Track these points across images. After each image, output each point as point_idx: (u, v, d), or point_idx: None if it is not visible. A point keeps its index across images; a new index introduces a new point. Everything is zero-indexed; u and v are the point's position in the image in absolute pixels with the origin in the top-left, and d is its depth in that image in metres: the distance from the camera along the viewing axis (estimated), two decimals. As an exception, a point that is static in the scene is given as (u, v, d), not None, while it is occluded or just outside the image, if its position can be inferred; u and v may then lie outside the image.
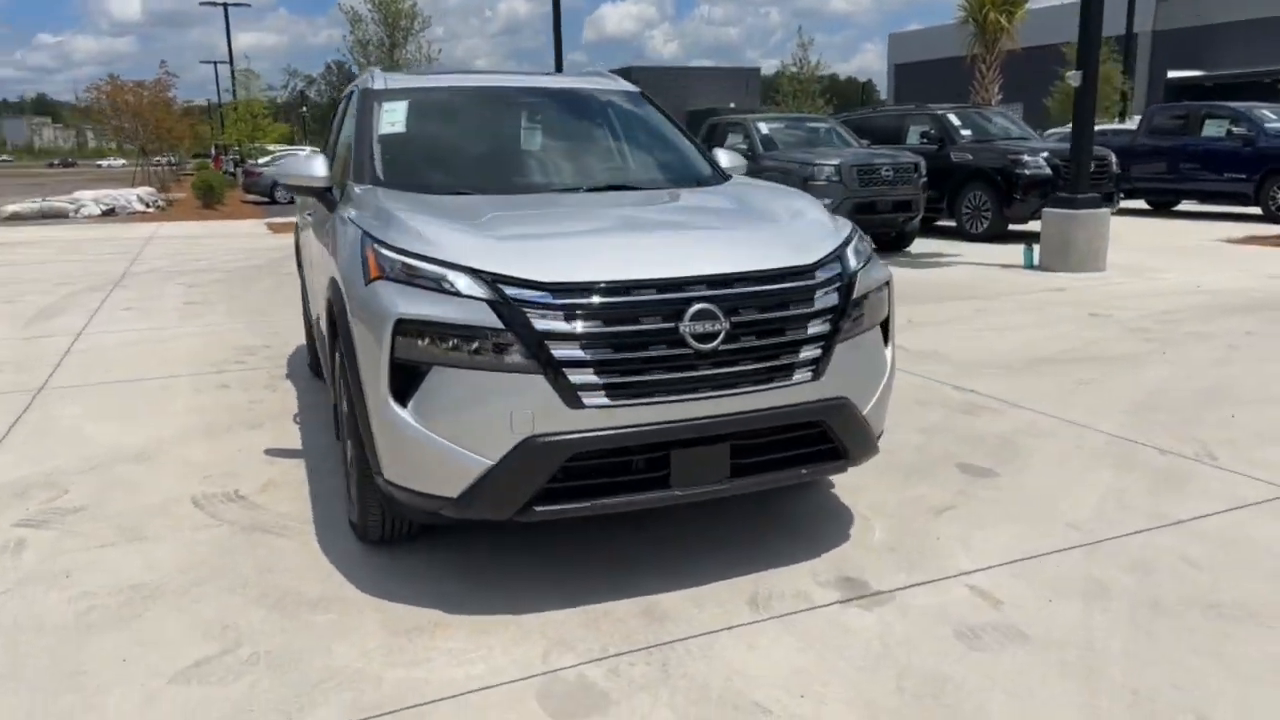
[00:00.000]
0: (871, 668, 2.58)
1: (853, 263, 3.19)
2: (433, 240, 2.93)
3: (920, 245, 12.40)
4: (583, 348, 2.72)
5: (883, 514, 3.63)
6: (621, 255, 2.92)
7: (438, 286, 2.77)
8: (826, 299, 3.03)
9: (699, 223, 3.55)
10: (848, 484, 3.91)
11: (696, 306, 2.80)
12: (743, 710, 2.39)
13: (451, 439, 2.75)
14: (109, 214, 21.75)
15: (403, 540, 3.37)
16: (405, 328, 2.75)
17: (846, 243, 3.25)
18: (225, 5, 38.54)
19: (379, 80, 4.42)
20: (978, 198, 13.12)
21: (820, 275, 3.05)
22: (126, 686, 2.54)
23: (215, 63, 36.31)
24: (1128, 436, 4.48)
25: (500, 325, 2.70)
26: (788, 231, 3.28)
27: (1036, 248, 10.30)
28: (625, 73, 56.34)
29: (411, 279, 2.82)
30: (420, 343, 2.75)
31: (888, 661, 2.61)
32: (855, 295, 3.12)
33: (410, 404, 2.78)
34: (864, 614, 2.87)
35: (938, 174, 13.16)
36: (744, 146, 12.64)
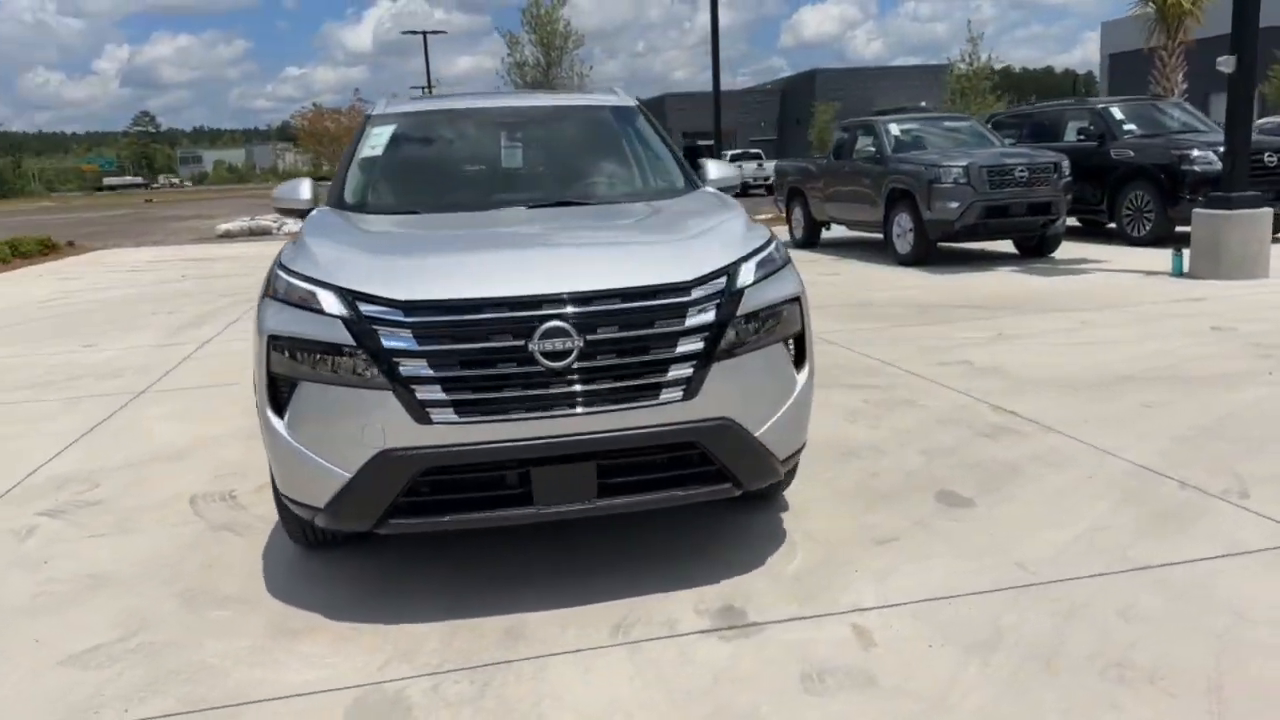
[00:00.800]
0: (686, 703, 2.46)
1: (746, 278, 3.05)
2: (318, 260, 3.07)
3: (1070, 250, 11.48)
4: (430, 364, 2.77)
5: (815, 541, 3.44)
6: (490, 272, 2.95)
7: (305, 304, 2.91)
8: (701, 316, 2.92)
9: (595, 239, 3.51)
10: (798, 506, 3.74)
11: (547, 325, 2.78)
12: (528, 737, 2.36)
13: (316, 451, 2.87)
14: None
15: (337, 544, 3.53)
16: (277, 343, 2.90)
17: (747, 258, 3.12)
18: (424, 34, 41.29)
19: (380, 106, 4.66)
20: (1139, 198, 11.98)
21: (697, 292, 2.94)
22: (22, 665, 2.83)
23: (422, 87, 38.88)
24: (1154, 467, 3.99)
25: (353, 342, 2.79)
26: (684, 246, 3.18)
27: (1186, 253, 9.30)
28: (809, 77, 54.62)
29: (288, 297, 2.97)
30: (288, 358, 2.89)
31: (708, 698, 2.48)
32: (744, 312, 2.99)
33: (285, 417, 2.94)
34: (720, 646, 2.75)
35: (1097, 173, 12.18)
36: (873, 149, 12.21)
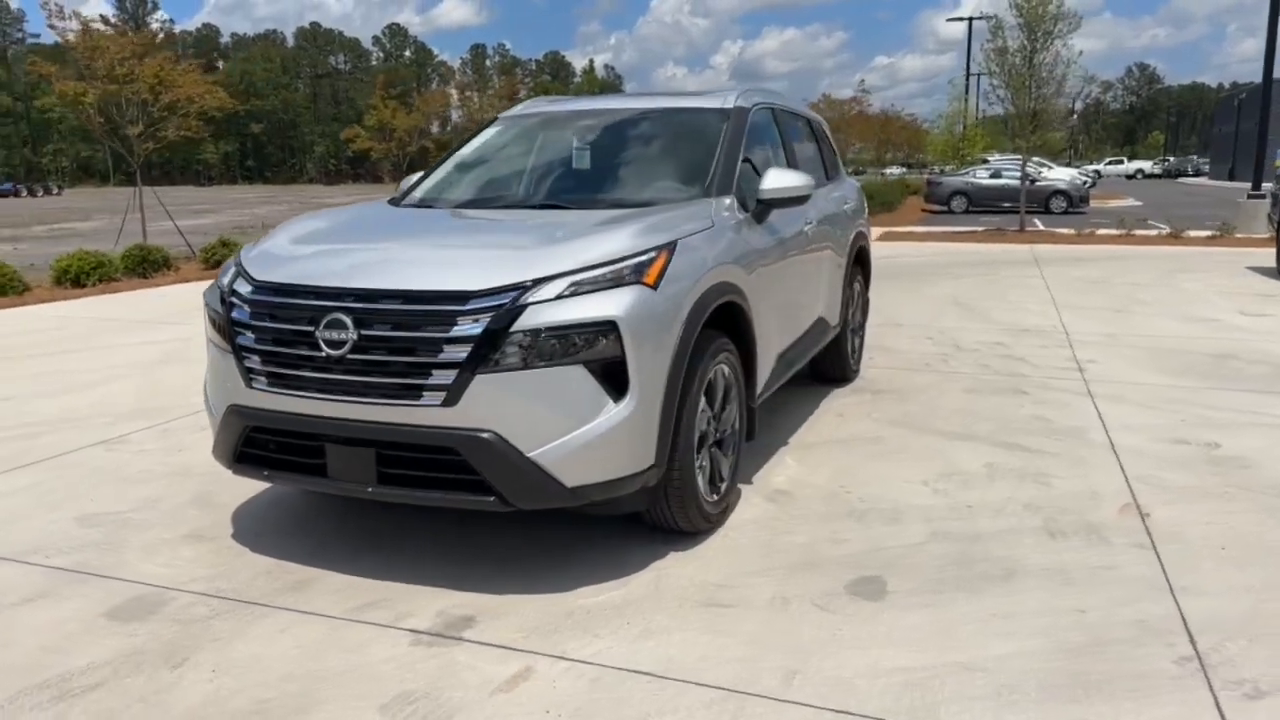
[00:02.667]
0: (280, 682, 2.62)
1: (542, 294, 2.95)
2: (259, 242, 3.69)
3: None
4: (254, 337, 3.23)
5: (658, 590, 3.18)
6: (328, 264, 3.30)
7: (218, 279, 3.55)
8: (470, 327, 2.93)
9: (470, 241, 3.64)
10: (720, 556, 3.45)
11: (330, 316, 3.05)
12: (174, 664, 2.74)
13: (210, 396, 3.52)
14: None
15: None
16: (206, 311, 3.59)
17: (560, 275, 3.00)
18: (969, 20, 39.84)
19: (517, 107, 5.12)
20: None
21: (475, 303, 2.95)
22: None
23: (970, 76, 37.61)
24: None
25: (220, 311, 3.36)
26: (519, 255, 3.15)
27: None
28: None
29: (222, 272, 3.64)
30: (209, 323, 3.56)
31: (306, 680, 2.61)
32: (523, 328, 2.92)
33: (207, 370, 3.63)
34: (401, 646, 2.81)
35: None
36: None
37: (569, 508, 3.14)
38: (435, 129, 45.39)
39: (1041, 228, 20.13)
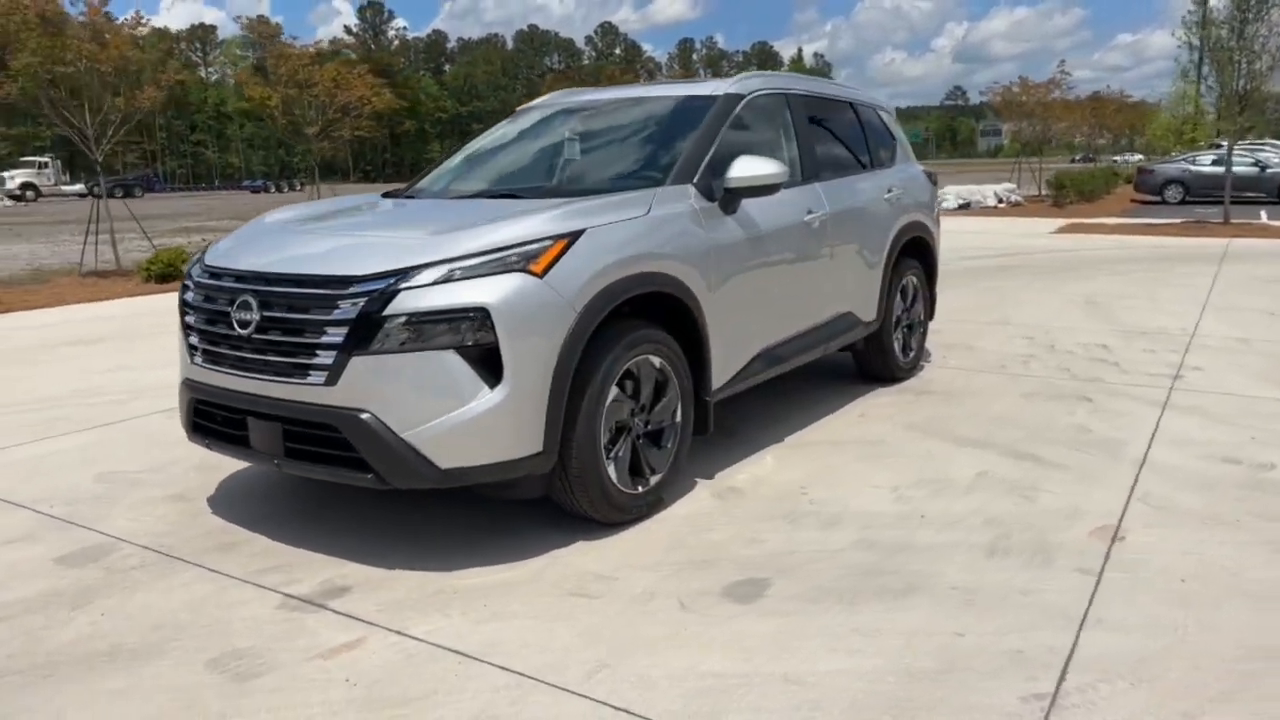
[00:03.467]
0: (155, 630, 2.87)
1: (418, 280, 3.05)
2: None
3: None
4: (193, 317, 3.53)
5: (537, 573, 3.21)
6: (262, 249, 3.54)
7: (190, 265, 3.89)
8: (348, 311, 3.06)
9: (379, 228, 3.81)
10: (629, 555, 3.44)
11: (241, 298, 3.29)
12: (76, 606, 3.06)
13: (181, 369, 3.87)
14: (963, 208, 23.69)
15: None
16: (181, 290, 3.95)
17: (438, 263, 3.08)
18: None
19: (538, 99, 5.25)
20: None
21: (356, 288, 3.08)
22: None
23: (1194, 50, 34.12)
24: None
25: (180, 293, 3.69)
26: (405, 241, 3.26)
27: None
28: None
29: (200, 257, 3.98)
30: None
31: (173, 627, 2.84)
32: (395, 312, 3.03)
33: (186, 343, 3.98)
34: (269, 609, 2.99)
35: None
36: None
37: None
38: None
39: (1267, 221, 17.94)
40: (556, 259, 3.22)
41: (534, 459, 3.21)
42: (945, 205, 23.73)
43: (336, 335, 3.09)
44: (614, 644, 2.72)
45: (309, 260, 3.31)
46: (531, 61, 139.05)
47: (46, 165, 59.26)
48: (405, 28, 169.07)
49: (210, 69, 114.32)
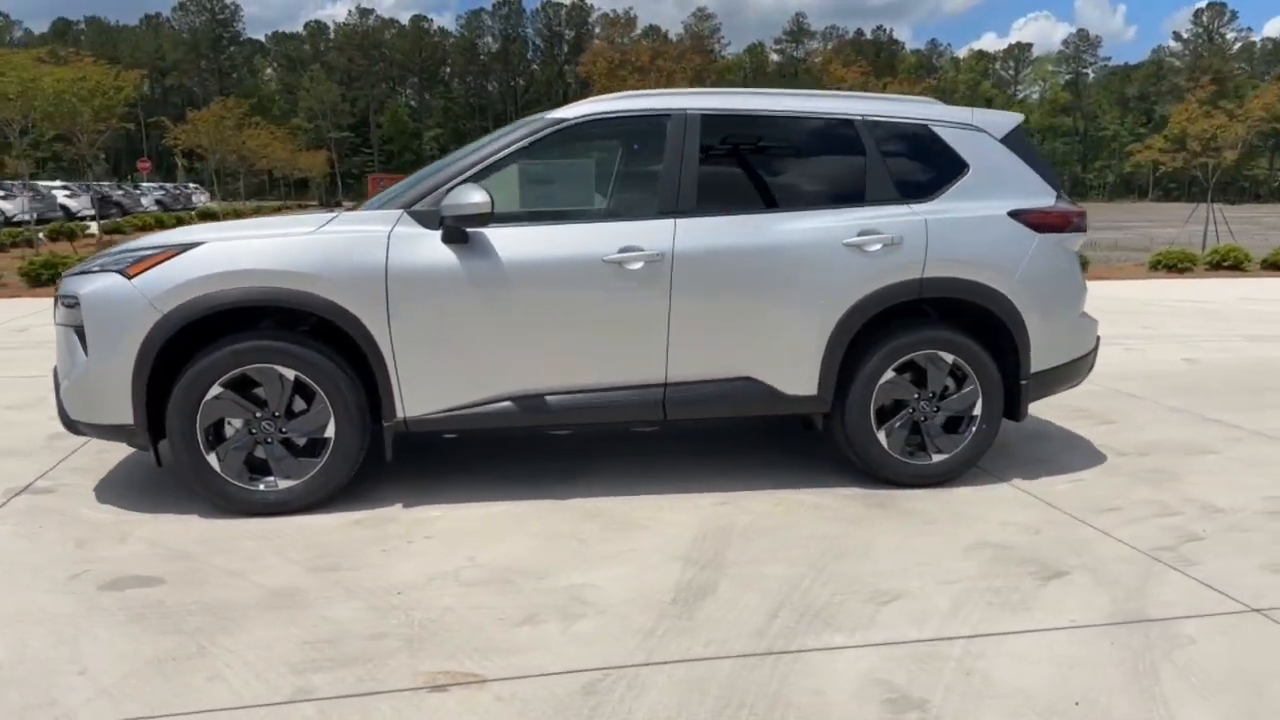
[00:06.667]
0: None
1: (76, 270, 3.94)
2: None
3: None
4: None
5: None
6: None
7: None
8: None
9: None
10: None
11: None
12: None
13: None
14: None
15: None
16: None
17: (101, 259, 3.93)
18: None
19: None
20: None
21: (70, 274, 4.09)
22: None
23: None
24: None
25: None
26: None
27: None
28: None
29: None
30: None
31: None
32: (61, 293, 3.98)
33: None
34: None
35: None
36: None
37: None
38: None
39: None
40: (150, 268, 3.75)
41: (130, 431, 3.82)
42: None
43: None
44: (-17, 576, 3.32)
45: None
46: None
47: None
48: (1249, 28, 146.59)
49: (1018, 86, 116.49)
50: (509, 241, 3.94)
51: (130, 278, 3.78)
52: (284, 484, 3.91)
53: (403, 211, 3.95)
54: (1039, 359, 4.38)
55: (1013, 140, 4.47)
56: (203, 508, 3.94)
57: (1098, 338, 4.73)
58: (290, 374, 3.85)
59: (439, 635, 2.90)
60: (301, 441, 3.93)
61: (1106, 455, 4.92)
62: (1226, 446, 5.09)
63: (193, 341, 3.84)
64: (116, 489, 4.25)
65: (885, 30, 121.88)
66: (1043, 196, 4.43)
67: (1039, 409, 5.83)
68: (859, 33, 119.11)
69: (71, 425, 3.99)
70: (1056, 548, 3.65)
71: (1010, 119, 4.57)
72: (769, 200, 4.27)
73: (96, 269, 3.88)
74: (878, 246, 4.16)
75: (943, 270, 4.22)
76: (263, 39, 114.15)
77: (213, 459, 3.86)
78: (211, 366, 3.79)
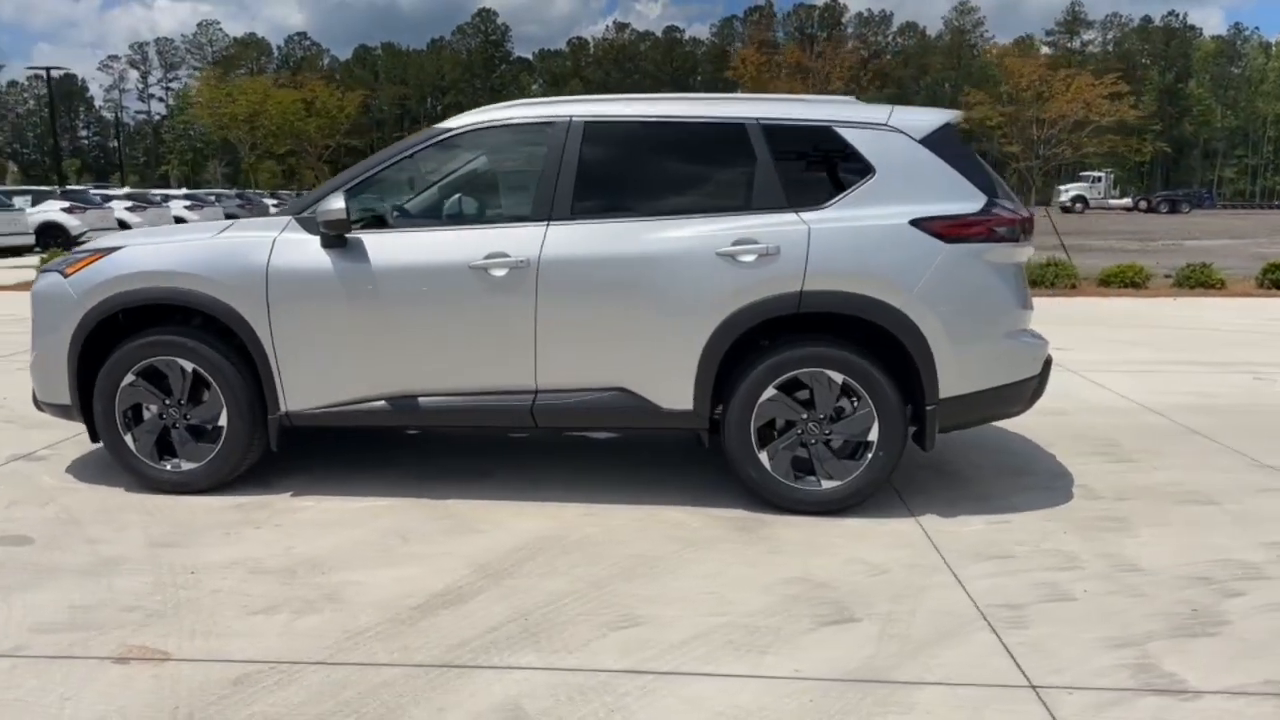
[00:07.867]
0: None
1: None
2: None
3: None
4: None
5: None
6: None
7: None
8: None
9: None
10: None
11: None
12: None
13: None
14: None
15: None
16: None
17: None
18: None
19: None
20: None
21: (54, 270, 4.73)
22: None
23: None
24: None
25: None
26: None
27: None
28: None
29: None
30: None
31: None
32: None
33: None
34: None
35: None
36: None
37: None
38: None
39: None
40: (84, 268, 4.26)
41: (69, 411, 4.37)
42: None
43: None
44: (-86, 526, 3.94)
45: None
46: None
47: (1099, 180, 62.96)
48: None
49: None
50: (385, 247, 4.11)
51: (66, 276, 4.33)
52: (186, 465, 4.30)
53: (291, 218, 4.23)
54: (953, 383, 3.92)
55: (937, 141, 4.03)
56: (128, 482, 4.43)
57: (1046, 360, 4.15)
58: (189, 366, 4.23)
59: (179, 614, 3.11)
60: (209, 428, 4.30)
61: (1074, 497, 4.30)
62: (1241, 498, 4.28)
63: (124, 334, 4.33)
64: (89, 463, 4.84)
65: (1178, 15, 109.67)
66: (965, 202, 3.96)
67: (1051, 439, 5.19)
68: (1146, 19, 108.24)
69: (38, 404, 4.62)
70: (878, 592, 3.28)
71: (936, 117, 4.12)
72: (649, 208, 4.13)
73: (51, 269, 4.47)
74: (752, 257, 3.91)
75: (825, 283, 3.90)
76: (529, 56, 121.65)
77: (129, 439, 4.32)
78: (126, 357, 4.25)
